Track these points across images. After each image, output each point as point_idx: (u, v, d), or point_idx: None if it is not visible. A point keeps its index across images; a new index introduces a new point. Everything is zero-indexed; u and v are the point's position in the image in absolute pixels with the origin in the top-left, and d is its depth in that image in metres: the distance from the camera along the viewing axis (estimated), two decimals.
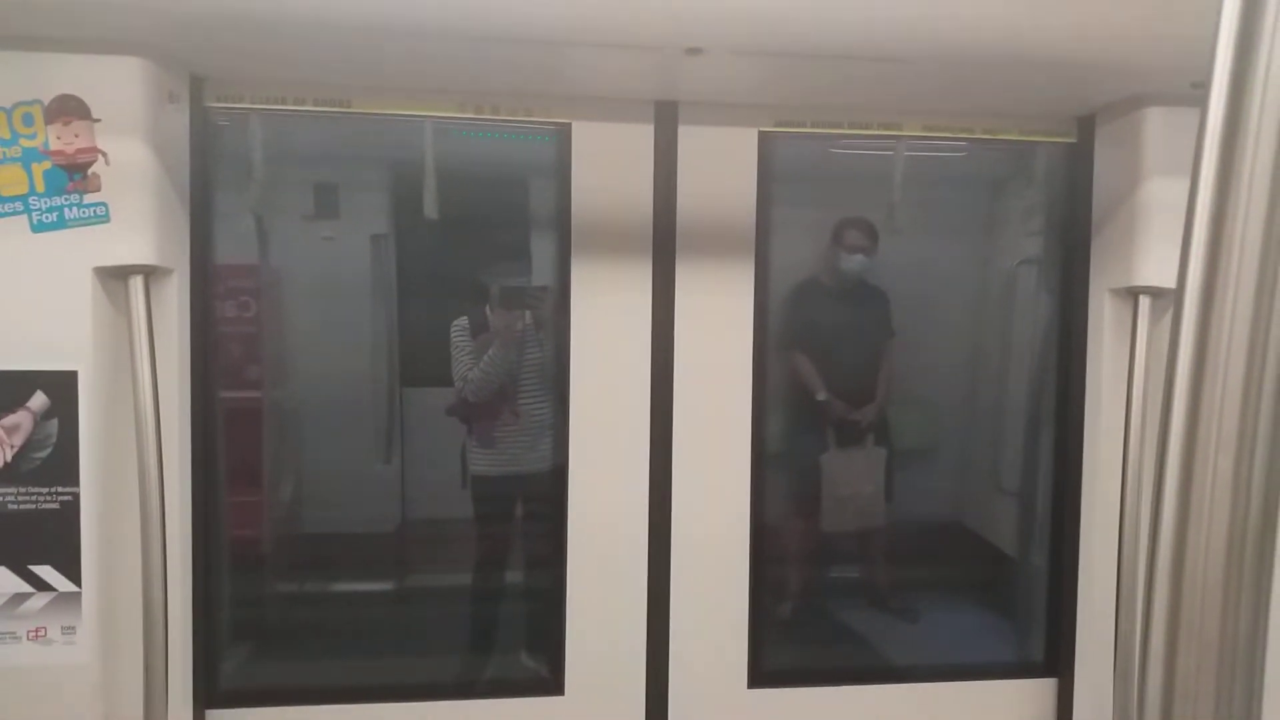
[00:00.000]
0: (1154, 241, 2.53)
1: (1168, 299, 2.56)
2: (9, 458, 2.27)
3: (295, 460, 3.97)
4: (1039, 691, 2.90)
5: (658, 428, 2.72)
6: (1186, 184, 2.15)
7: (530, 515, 3.62)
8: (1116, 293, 2.67)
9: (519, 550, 3.64)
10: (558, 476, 2.79)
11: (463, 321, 3.46)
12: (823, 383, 3.71)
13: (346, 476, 4.06)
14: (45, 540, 2.28)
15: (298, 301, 3.81)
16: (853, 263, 3.65)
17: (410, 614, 3.84)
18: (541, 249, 3.79)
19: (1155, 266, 2.54)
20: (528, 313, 3.40)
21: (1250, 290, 0.59)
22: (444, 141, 2.79)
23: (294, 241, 3.82)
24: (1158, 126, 2.49)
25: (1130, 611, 2.55)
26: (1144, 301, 2.55)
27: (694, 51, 2.22)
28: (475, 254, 3.64)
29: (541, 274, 3.70)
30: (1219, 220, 0.60)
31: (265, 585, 3.60)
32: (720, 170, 2.69)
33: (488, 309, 3.44)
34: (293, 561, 3.88)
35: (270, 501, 3.75)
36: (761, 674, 2.81)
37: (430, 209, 2.85)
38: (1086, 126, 2.74)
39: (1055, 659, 2.89)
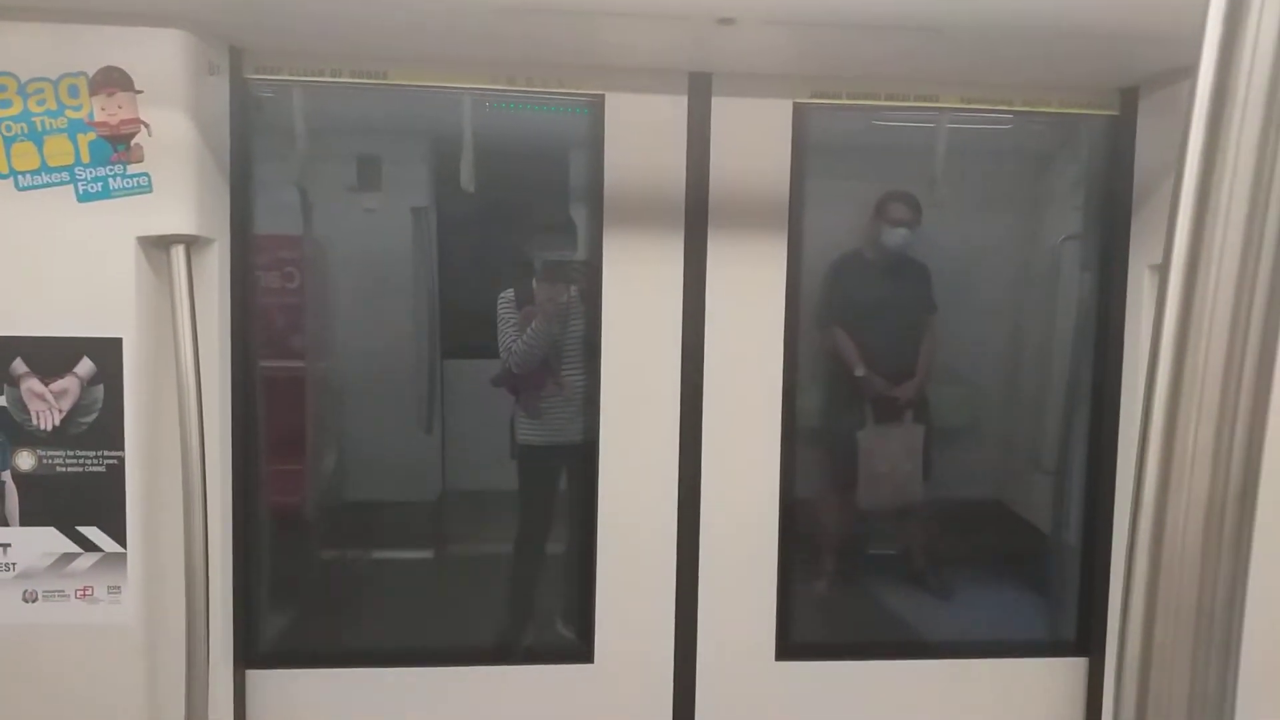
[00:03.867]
0: None
1: None
2: (57, 422, 2.34)
3: (338, 430, 4.03)
4: (1070, 670, 2.89)
5: (688, 402, 2.73)
6: None
7: (575, 484, 3.65)
8: (1157, 268, 2.61)
9: (563, 519, 3.68)
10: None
11: (508, 294, 3.48)
12: (862, 358, 3.68)
13: (388, 446, 4.11)
14: (92, 502, 2.35)
15: (340, 273, 3.86)
16: (895, 237, 3.60)
17: (451, 581, 3.89)
18: (586, 222, 3.80)
19: None
20: (573, 286, 3.41)
21: (1234, 263, 0.58)
22: (483, 114, 2.81)
23: (337, 213, 3.86)
24: None
25: None
26: None
27: (726, 21, 2.20)
28: (516, 227, 3.65)
29: (586, 247, 3.71)
30: (1204, 194, 0.60)
31: (308, 552, 3.67)
32: (754, 142, 2.67)
33: (534, 282, 3.46)
34: (334, 529, 3.94)
35: (313, 470, 3.81)
36: (789, 646, 2.82)
37: (468, 182, 2.87)
38: (1130, 98, 2.69)
39: (1087, 638, 2.88)
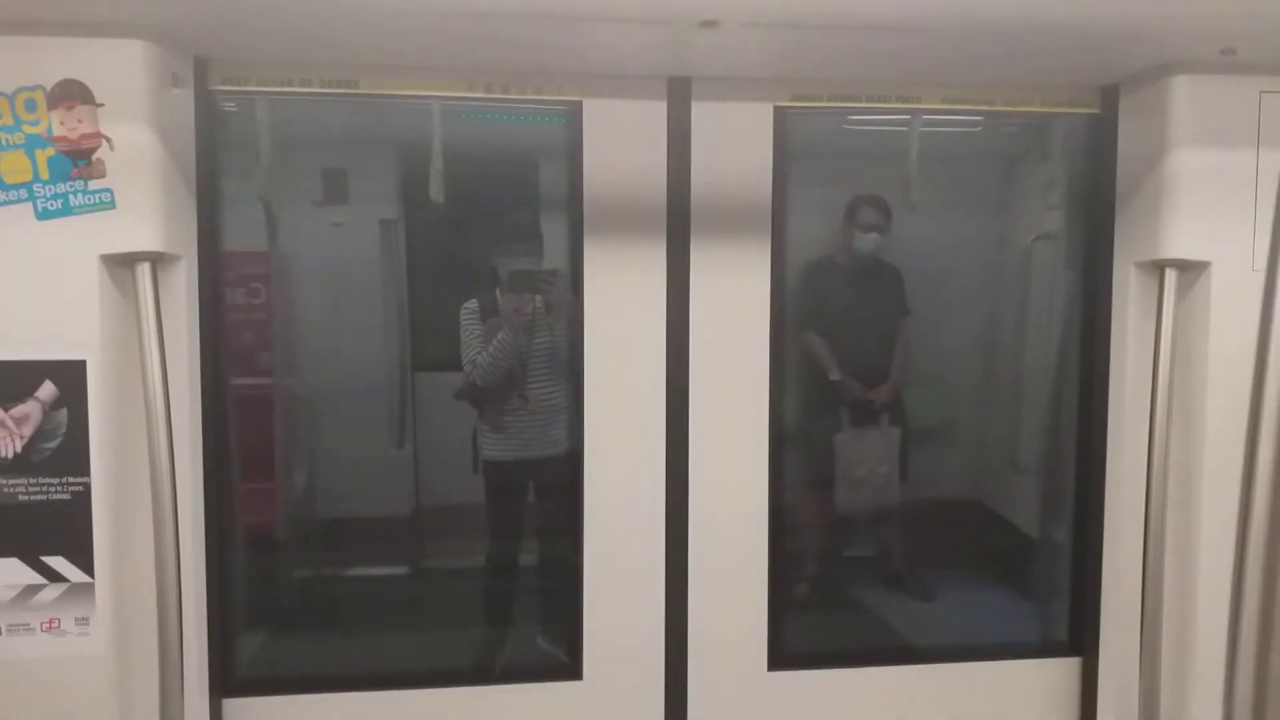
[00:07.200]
0: (1181, 214, 2.47)
1: (1195, 271, 2.51)
2: (19, 448, 2.24)
3: (308, 447, 3.95)
4: (1063, 671, 2.88)
5: (674, 410, 2.69)
6: (1215, 154, 2.11)
7: (543, 500, 3.60)
8: (1142, 266, 2.62)
9: (533, 534, 3.63)
10: (572, 461, 2.76)
11: (472, 304, 3.43)
12: (837, 362, 3.69)
13: (360, 462, 4.05)
14: (57, 531, 2.26)
15: (308, 288, 3.79)
16: (867, 241, 3.62)
17: (425, 598, 3.83)
18: (553, 231, 3.77)
19: (1182, 239, 2.48)
20: (538, 296, 3.36)
21: None
22: (452, 124, 2.75)
23: (303, 227, 3.79)
24: (1185, 95, 2.42)
25: (1156, 590, 2.52)
26: (1170, 275, 2.50)
27: (709, 24, 2.17)
28: (485, 237, 3.60)
29: (554, 257, 3.68)
30: None
31: (280, 571, 3.59)
32: (735, 146, 2.64)
33: (498, 292, 3.40)
34: (307, 547, 3.87)
35: (283, 488, 3.73)
36: (782, 656, 2.79)
37: (437, 193, 2.81)
38: (1110, 97, 2.68)
39: (1080, 638, 2.87)
